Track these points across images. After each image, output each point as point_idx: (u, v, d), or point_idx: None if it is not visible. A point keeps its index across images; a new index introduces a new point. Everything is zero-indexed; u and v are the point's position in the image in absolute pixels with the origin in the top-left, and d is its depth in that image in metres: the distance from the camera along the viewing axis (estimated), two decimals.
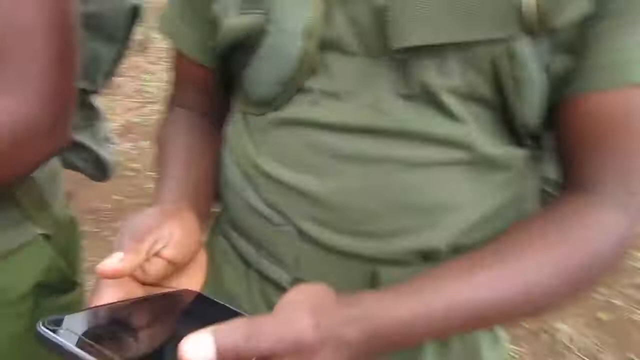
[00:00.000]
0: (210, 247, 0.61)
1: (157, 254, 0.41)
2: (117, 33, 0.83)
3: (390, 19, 0.42)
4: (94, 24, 0.78)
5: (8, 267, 0.66)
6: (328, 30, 0.46)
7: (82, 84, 0.79)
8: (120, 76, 3.30)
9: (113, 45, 0.83)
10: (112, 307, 0.36)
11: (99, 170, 0.88)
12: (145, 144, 2.83)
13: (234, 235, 0.58)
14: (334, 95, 0.47)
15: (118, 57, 0.87)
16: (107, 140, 0.90)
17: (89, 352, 0.29)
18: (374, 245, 0.47)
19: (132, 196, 2.43)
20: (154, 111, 3.12)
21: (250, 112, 0.54)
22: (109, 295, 0.38)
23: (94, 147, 0.85)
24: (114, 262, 0.37)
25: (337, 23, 0.45)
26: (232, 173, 0.56)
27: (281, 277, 0.53)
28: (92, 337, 0.30)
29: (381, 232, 0.47)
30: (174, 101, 0.65)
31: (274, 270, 0.53)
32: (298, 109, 0.49)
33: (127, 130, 2.92)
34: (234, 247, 0.59)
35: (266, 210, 0.52)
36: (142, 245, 0.39)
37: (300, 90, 0.48)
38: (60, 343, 0.30)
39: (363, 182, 0.46)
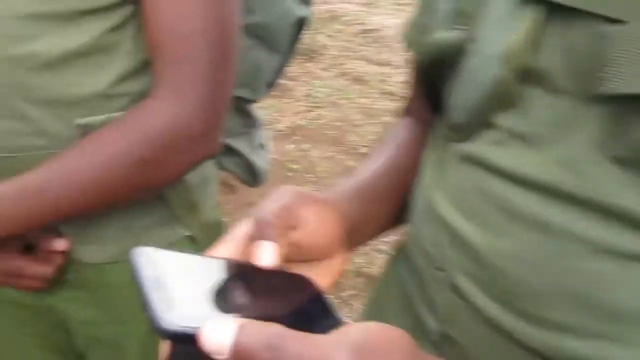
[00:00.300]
0: (387, 268, 0.56)
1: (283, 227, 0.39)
2: (280, 44, 0.84)
3: (615, 54, 0.32)
4: (258, 34, 0.79)
5: None
6: (534, 60, 0.37)
7: (242, 92, 0.81)
8: (292, 80, 3.48)
9: (276, 56, 0.84)
10: (217, 261, 0.35)
11: (251, 176, 0.90)
12: (307, 146, 2.93)
13: (401, 263, 0.53)
14: (522, 139, 0.38)
15: (280, 68, 0.88)
16: (261, 147, 0.92)
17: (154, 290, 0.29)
18: (531, 330, 0.38)
19: None
20: (319, 115, 3.23)
21: (440, 137, 0.48)
22: (223, 250, 0.37)
23: (248, 153, 0.87)
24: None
25: (547, 51, 0.36)
26: (417, 198, 0.51)
27: (431, 325, 0.46)
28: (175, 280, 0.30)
29: (542, 319, 0.37)
30: (407, 110, 0.61)
31: (425, 314, 0.47)
32: (481, 146, 0.41)
33: (292, 132, 3.05)
34: (399, 275, 0.54)
35: (430, 248, 0.46)
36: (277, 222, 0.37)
37: (490, 125, 0.40)
38: (138, 271, 0.31)
39: (532, 252, 0.36)
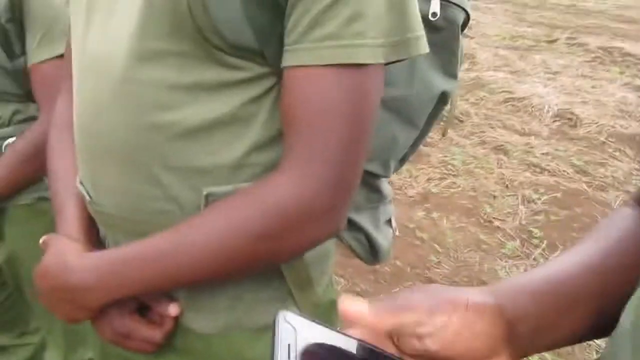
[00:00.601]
0: None
1: (416, 335, 0.36)
2: (419, 119, 0.79)
3: None
4: (395, 108, 0.75)
5: (261, 344, 0.66)
6: None
7: (373, 167, 0.77)
8: (428, 146, 3.41)
9: (413, 131, 0.79)
10: (354, 341, 0.35)
11: (371, 254, 0.84)
12: (438, 215, 2.81)
13: None
14: None
15: (415, 144, 0.83)
16: (387, 224, 0.86)
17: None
18: None
19: (414, 265, 2.42)
20: (454, 184, 3.10)
21: None
22: (358, 331, 0.37)
23: (371, 230, 0.82)
24: (357, 304, 0.36)
25: None
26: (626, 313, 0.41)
27: None
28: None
29: None
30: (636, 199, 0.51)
31: None
32: None
33: (423, 199, 2.96)
34: None
35: None
36: (395, 315, 0.36)
37: None
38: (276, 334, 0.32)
39: None
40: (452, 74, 0.79)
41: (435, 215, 2.81)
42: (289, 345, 0.32)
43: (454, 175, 3.20)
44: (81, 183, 0.67)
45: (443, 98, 0.79)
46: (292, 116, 0.58)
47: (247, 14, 0.54)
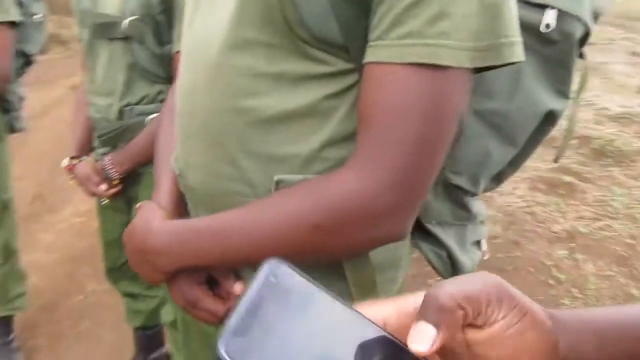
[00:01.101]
0: None
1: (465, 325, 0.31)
2: (518, 136, 0.73)
3: None
4: (493, 121, 0.71)
5: None
6: None
7: (461, 182, 0.74)
8: (585, 181, 3.08)
9: (510, 148, 0.74)
10: (356, 318, 0.30)
11: (452, 273, 0.80)
12: (583, 257, 2.52)
13: None
14: None
15: (514, 163, 0.77)
16: (474, 245, 0.82)
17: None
18: None
19: (543, 305, 2.21)
20: (608, 227, 2.76)
21: None
22: (375, 309, 0.32)
23: (455, 248, 0.78)
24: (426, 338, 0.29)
25: None
26: None
27: None
28: None
29: None
30: None
31: None
32: None
33: (568, 237, 2.69)
34: None
35: None
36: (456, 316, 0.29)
37: None
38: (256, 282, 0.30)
39: None
40: (563, 93, 0.72)
41: (579, 257, 2.54)
42: (265, 301, 0.28)
43: (610, 218, 2.85)
44: (176, 160, 0.74)
45: (550, 118, 0.73)
46: (366, 113, 0.57)
47: (334, 8, 0.55)
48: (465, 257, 0.80)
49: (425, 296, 0.30)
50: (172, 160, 0.75)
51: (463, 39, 0.52)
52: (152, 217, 0.68)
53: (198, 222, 0.66)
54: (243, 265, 0.68)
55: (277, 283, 0.30)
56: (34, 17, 1.73)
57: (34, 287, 2.22)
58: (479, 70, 0.56)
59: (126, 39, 1.25)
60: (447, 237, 0.78)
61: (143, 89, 1.29)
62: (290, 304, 0.29)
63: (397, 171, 0.56)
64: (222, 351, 0.25)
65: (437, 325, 0.28)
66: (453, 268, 0.80)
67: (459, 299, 0.29)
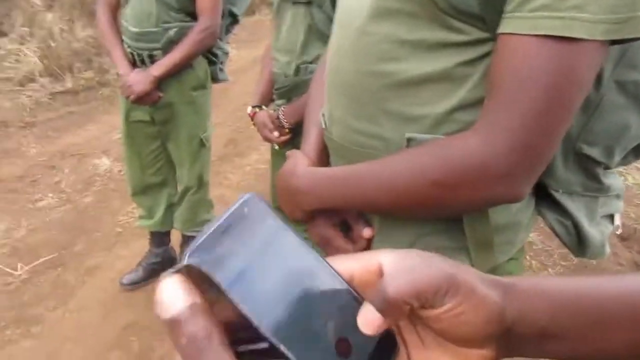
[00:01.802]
0: None
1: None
2: None
3: None
4: (636, 94, 0.68)
5: None
6: None
7: (593, 152, 0.72)
8: None
9: None
10: (318, 264, 0.31)
11: (579, 244, 0.80)
12: None
13: None
14: None
15: None
16: (605, 218, 0.80)
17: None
18: None
19: None
20: None
21: None
22: (345, 263, 0.33)
23: (582, 220, 0.77)
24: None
25: None
26: None
27: None
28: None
29: None
30: None
31: None
32: None
33: None
34: None
35: None
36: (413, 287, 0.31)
37: None
38: (229, 210, 0.30)
39: None
40: None
41: None
42: (235, 229, 0.29)
43: None
44: (323, 114, 0.83)
45: None
46: (495, 81, 0.60)
47: None
48: (594, 230, 0.78)
49: (378, 284, 0.31)
50: (319, 114, 0.85)
51: (597, 12, 0.53)
52: (298, 163, 0.79)
53: (335, 170, 0.76)
54: (370, 211, 0.76)
55: (247, 214, 0.30)
56: None
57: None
58: (616, 42, 0.56)
59: (308, 3, 1.40)
60: (575, 207, 0.77)
61: (318, 49, 1.44)
62: (255, 236, 0.29)
63: (517, 136, 0.58)
64: (186, 259, 0.27)
65: (382, 313, 0.30)
66: (579, 239, 0.79)
67: (405, 296, 0.30)
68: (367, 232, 0.76)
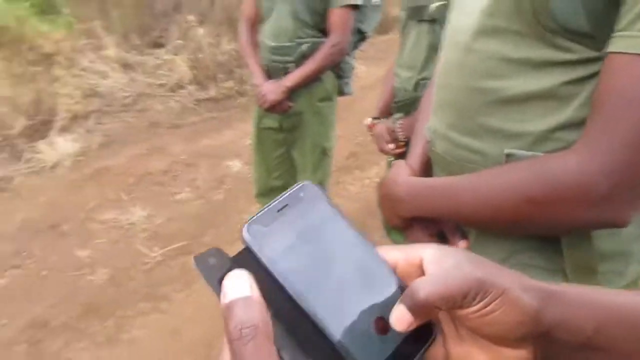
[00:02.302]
0: None
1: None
2: None
3: None
4: None
5: None
6: None
7: None
8: None
9: None
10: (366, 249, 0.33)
11: None
12: None
13: None
14: None
15: None
16: None
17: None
18: None
19: None
20: None
21: None
22: (395, 253, 0.34)
23: None
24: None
25: None
26: None
27: None
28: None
29: None
30: None
31: None
32: None
33: None
34: None
35: None
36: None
37: None
38: (291, 192, 0.33)
39: None
40: None
41: None
42: (291, 210, 0.32)
43: None
44: (429, 127, 0.85)
45: None
46: (598, 100, 0.60)
47: (583, 1, 0.59)
48: None
49: (410, 285, 0.31)
50: (426, 127, 0.88)
51: None
52: (400, 172, 0.83)
53: (434, 180, 0.79)
54: (465, 223, 0.77)
55: (303, 198, 0.33)
56: (373, 1, 2.09)
57: None
58: None
59: (432, 21, 1.44)
60: None
61: None
62: (308, 218, 0.32)
63: (617, 160, 0.57)
64: (245, 232, 0.30)
65: (412, 314, 0.31)
66: None
67: (434, 301, 0.31)
68: (462, 244, 0.77)
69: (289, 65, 2.00)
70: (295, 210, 0.32)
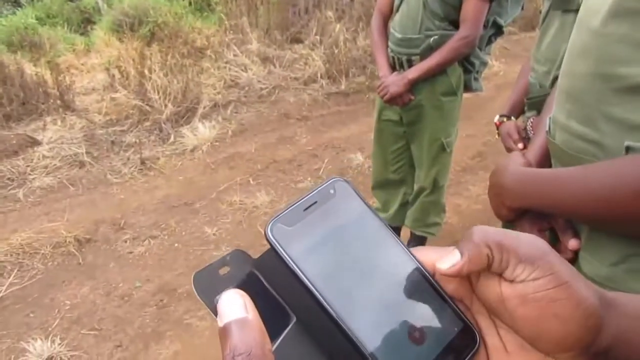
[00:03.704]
0: None
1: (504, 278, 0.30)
2: None
3: None
4: None
5: None
6: None
7: None
8: None
9: None
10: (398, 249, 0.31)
11: None
12: None
13: None
14: None
15: None
16: None
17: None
18: None
19: None
20: None
21: None
22: (429, 254, 0.32)
23: None
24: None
25: None
26: None
27: None
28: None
29: None
30: None
31: None
32: None
33: None
34: None
35: None
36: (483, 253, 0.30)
37: None
38: (323, 187, 0.31)
39: None
40: None
41: None
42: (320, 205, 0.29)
43: None
44: (550, 117, 0.80)
45: None
46: None
47: None
48: None
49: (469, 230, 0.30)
50: (548, 118, 0.82)
51: None
52: (512, 162, 0.79)
53: (543, 171, 0.74)
54: (571, 216, 0.71)
55: (334, 195, 0.30)
56: None
57: (451, 225, 2.60)
58: None
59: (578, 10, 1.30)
60: None
61: None
62: (339, 216, 0.30)
63: None
64: (268, 232, 0.28)
65: (462, 253, 0.29)
66: None
67: (488, 241, 0.29)
68: (573, 244, 0.73)
69: (414, 57, 1.95)
70: (325, 208, 0.30)
